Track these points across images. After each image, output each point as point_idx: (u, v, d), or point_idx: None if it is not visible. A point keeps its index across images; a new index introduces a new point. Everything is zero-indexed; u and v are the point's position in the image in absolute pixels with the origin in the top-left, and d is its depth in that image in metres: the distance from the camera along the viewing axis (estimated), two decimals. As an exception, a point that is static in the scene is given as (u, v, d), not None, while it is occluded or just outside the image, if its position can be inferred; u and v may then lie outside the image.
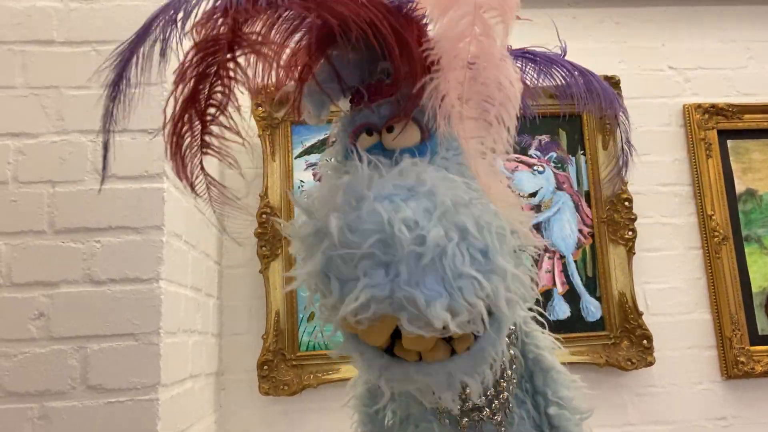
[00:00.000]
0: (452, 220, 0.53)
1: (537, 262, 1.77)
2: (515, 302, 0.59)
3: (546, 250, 1.80)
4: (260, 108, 1.80)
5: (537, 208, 1.83)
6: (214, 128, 0.60)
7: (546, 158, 1.86)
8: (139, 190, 1.21)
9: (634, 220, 1.82)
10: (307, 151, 1.82)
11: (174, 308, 1.26)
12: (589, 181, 1.86)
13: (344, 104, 0.69)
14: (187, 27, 0.55)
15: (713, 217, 1.85)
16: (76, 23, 1.27)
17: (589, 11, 2.00)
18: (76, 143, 1.22)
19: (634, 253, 1.81)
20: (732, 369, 1.76)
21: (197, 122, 0.59)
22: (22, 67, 1.24)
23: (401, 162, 0.59)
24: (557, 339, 0.78)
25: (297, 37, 0.59)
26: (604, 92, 0.84)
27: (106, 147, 0.63)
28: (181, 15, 0.54)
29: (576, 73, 0.82)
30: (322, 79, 0.64)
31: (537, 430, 0.74)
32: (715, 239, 1.84)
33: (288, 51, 0.59)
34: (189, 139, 0.60)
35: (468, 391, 0.63)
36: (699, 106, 1.93)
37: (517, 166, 1.84)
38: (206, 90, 0.57)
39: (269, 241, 1.74)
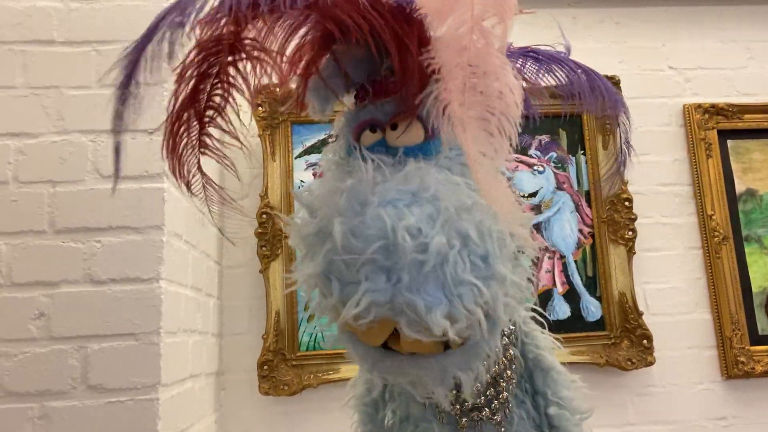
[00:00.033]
0: (454, 227, 0.54)
1: (537, 263, 1.78)
2: (513, 306, 0.59)
3: (546, 249, 1.80)
4: (260, 108, 1.80)
5: (537, 208, 1.83)
6: (212, 130, 0.60)
7: (546, 158, 1.86)
8: (139, 190, 1.21)
9: (634, 220, 1.82)
10: (308, 151, 1.83)
11: (174, 308, 1.26)
12: (589, 181, 1.86)
13: (348, 100, 0.69)
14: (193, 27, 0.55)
15: (713, 217, 1.85)
16: (76, 23, 1.27)
17: (589, 11, 2.00)
18: (76, 143, 1.22)
19: (635, 253, 1.81)
20: (732, 369, 1.76)
21: (195, 122, 0.59)
22: (23, 67, 1.24)
23: (405, 165, 0.59)
24: (557, 339, 0.78)
25: (302, 31, 0.59)
26: (608, 92, 0.84)
27: (117, 149, 0.63)
28: (188, 16, 0.54)
29: (579, 71, 0.82)
30: (326, 74, 0.63)
31: (537, 430, 0.74)
32: (716, 239, 1.84)
33: (293, 45, 0.59)
34: (186, 138, 0.60)
35: (462, 388, 0.63)
36: (699, 106, 1.93)
37: (517, 166, 1.84)
38: (206, 90, 0.57)
39: (269, 241, 1.74)
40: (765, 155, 1.92)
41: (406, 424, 0.75)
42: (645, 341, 1.75)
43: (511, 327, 0.74)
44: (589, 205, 1.84)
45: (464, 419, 0.71)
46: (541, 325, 0.78)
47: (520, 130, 0.55)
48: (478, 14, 0.52)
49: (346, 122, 0.68)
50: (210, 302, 1.62)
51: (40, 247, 1.17)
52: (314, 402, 1.69)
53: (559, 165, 1.86)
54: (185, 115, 0.59)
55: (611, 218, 1.82)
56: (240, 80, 0.57)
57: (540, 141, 1.87)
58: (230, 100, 0.59)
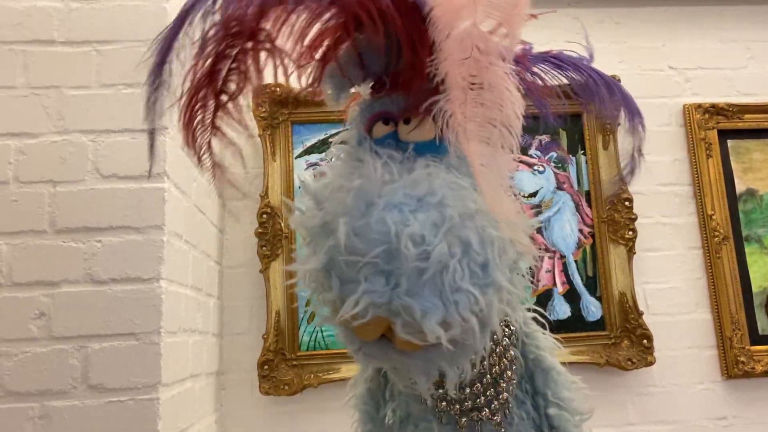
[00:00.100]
0: (457, 235, 0.54)
1: (537, 265, 1.78)
2: (507, 312, 0.60)
3: (546, 249, 1.80)
4: (260, 108, 1.80)
5: (537, 208, 1.83)
6: (224, 114, 0.60)
7: (546, 158, 1.87)
8: (139, 190, 1.21)
9: (635, 220, 1.82)
10: (308, 151, 1.83)
11: (175, 308, 1.26)
12: (589, 181, 1.86)
13: (365, 90, 0.69)
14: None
15: (713, 217, 1.85)
16: (76, 23, 1.27)
17: (589, 11, 2.00)
18: (76, 143, 1.22)
19: (635, 253, 1.81)
20: (732, 369, 1.76)
21: (211, 102, 0.59)
22: (23, 67, 1.24)
23: (415, 164, 0.59)
24: (557, 339, 0.78)
25: (326, 17, 0.58)
26: (626, 100, 0.85)
27: (152, 136, 0.63)
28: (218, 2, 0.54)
29: (599, 79, 0.83)
30: (345, 62, 0.63)
31: (537, 430, 0.74)
32: (716, 239, 1.84)
33: (315, 29, 0.58)
34: (201, 115, 0.60)
35: (445, 382, 0.63)
36: (699, 106, 1.93)
37: (517, 167, 1.84)
38: (223, 71, 0.57)
39: (269, 241, 1.74)
40: (765, 155, 1.92)
41: (405, 424, 0.75)
42: (645, 341, 1.75)
43: (512, 327, 0.74)
44: (590, 205, 1.84)
45: (464, 419, 0.71)
46: (542, 326, 0.78)
47: (521, 141, 0.55)
48: (482, 23, 0.52)
49: (360, 112, 0.68)
50: (210, 302, 1.62)
51: (41, 247, 1.17)
52: (314, 402, 1.69)
53: (560, 165, 1.86)
54: (202, 92, 0.58)
55: (611, 218, 1.82)
56: (254, 71, 0.57)
57: (540, 141, 1.87)
58: (244, 88, 0.58)
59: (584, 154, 1.87)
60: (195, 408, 1.43)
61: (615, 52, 1.97)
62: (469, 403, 0.71)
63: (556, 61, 0.82)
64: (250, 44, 0.56)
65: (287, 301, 1.72)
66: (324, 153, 1.81)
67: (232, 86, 0.58)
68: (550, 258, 1.80)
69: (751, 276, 1.83)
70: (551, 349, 0.77)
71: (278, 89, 1.79)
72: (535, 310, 0.78)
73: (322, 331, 1.72)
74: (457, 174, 0.60)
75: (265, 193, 1.77)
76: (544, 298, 1.78)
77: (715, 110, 1.93)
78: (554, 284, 1.79)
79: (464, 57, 0.53)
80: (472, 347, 0.59)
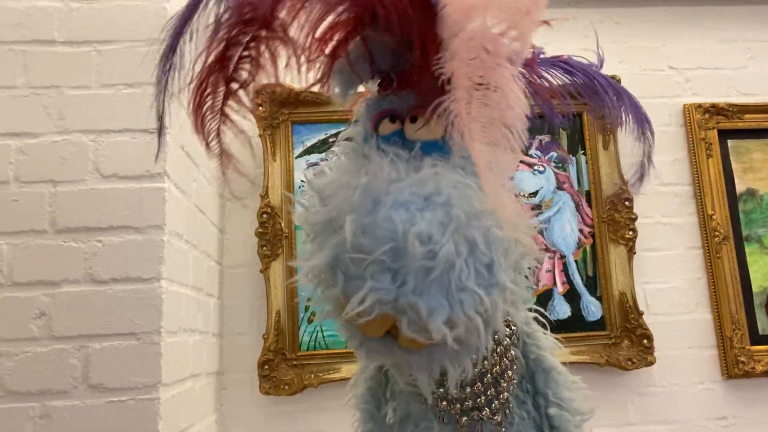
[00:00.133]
0: (464, 235, 0.54)
1: (537, 266, 1.78)
2: (510, 312, 0.60)
3: (547, 249, 1.80)
4: (261, 108, 1.80)
5: (537, 208, 1.83)
6: (234, 103, 0.60)
7: (546, 158, 1.87)
8: (140, 190, 1.21)
9: (635, 219, 1.82)
10: (308, 151, 1.83)
11: (175, 308, 1.26)
12: (589, 181, 1.86)
13: (372, 87, 0.68)
14: None
15: (714, 217, 1.85)
16: (77, 23, 1.27)
17: (589, 11, 2.00)
18: (77, 143, 1.22)
19: (635, 253, 1.81)
20: (732, 369, 1.76)
21: (222, 88, 0.59)
22: (23, 67, 1.24)
23: (422, 163, 0.59)
24: (557, 339, 0.79)
25: (338, 10, 0.58)
26: (633, 107, 0.85)
27: (161, 119, 0.63)
28: None
29: (608, 86, 0.83)
30: (354, 58, 0.63)
31: (537, 430, 0.74)
32: (716, 239, 1.84)
33: (325, 24, 0.58)
34: (211, 101, 0.60)
35: (446, 380, 0.63)
36: (699, 105, 1.93)
37: (517, 167, 1.84)
38: (235, 58, 0.57)
39: (270, 241, 1.74)
40: (765, 155, 1.92)
41: (406, 423, 0.75)
42: (645, 341, 1.75)
43: (513, 328, 0.74)
44: (590, 205, 1.84)
45: (464, 418, 0.71)
46: (543, 326, 0.78)
47: (525, 144, 0.55)
48: (492, 25, 0.52)
49: (366, 109, 0.68)
50: (210, 302, 1.62)
51: (41, 247, 1.17)
52: (315, 402, 1.69)
53: (560, 165, 1.86)
54: (213, 77, 0.58)
55: (611, 218, 1.82)
56: (268, 60, 0.57)
57: (540, 141, 1.87)
58: (256, 76, 0.58)
59: (584, 154, 1.87)
60: (195, 408, 1.43)
61: (615, 52, 1.97)
62: (470, 402, 0.71)
63: (565, 66, 0.82)
64: (263, 32, 0.55)
65: (287, 301, 1.72)
66: (324, 153, 1.81)
67: (244, 74, 0.58)
68: (550, 258, 1.80)
69: (752, 276, 1.83)
70: (552, 349, 0.77)
71: (278, 89, 1.79)
72: (536, 311, 0.78)
73: (322, 331, 1.72)
74: (463, 174, 0.60)
75: (266, 193, 1.77)
76: (544, 298, 1.78)
77: (715, 110, 1.93)
78: (554, 284, 1.79)
79: (471, 57, 0.53)
80: (475, 346, 0.59)
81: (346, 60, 0.62)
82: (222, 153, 0.64)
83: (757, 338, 1.80)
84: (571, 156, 1.87)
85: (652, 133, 0.88)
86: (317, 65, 0.60)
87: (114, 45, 1.26)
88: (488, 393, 0.71)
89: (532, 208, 1.82)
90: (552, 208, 1.83)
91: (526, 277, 0.64)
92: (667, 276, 1.84)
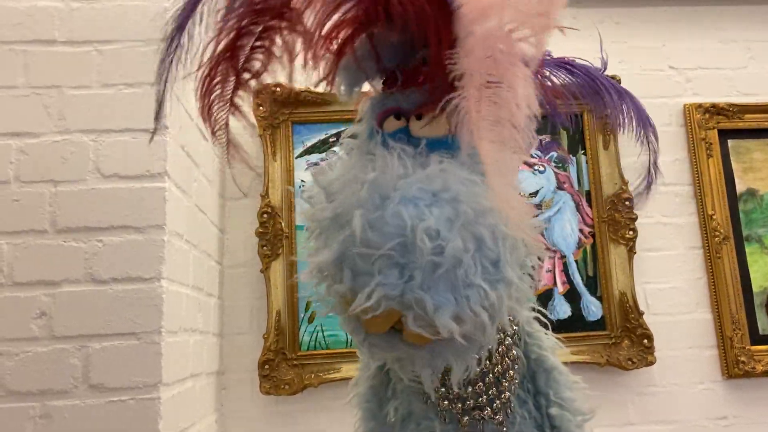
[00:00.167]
0: (471, 231, 0.54)
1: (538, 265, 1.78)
2: (515, 308, 0.60)
3: (547, 249, 1.80)
4: (261, 108, 1.80)
5: (538, 208, 1.83)
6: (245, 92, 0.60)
7: (547, 158, 1.87)
8: (140, 190, 1.21)
9: (635, 219, 1.82)
10: (308, 151, 1.83)
11: (175, 307, 1.26)
12: (589, 181, 1.86)
13: (377, 84, 0.69)
14: None
15: (714, 217, 1.85)
16: (77, 23, 1.27)
17: (589, 11, 2.00)
18: (77, 143, 1.22)
19: (635, 253, 1.81)
20: (733, 368, 1.76)
21: (232, 78, 0.59)
22: (24, 66, 1.24)
23: (428, 159, 0.59)
24: (558, 339, 0.79)
25: (345, 7, 0.58)
26: (638, 112, 0.85)
27: (160, 102, 0.62)
28: None
29: (612, 89, 0.83)
30: (360, 55, 0.63)
31: (538, 430, 0.74)
32: (716, 239, 1.84)
33: (332, 21, 0.58)
34: (220, 90, 0.60)
35: (449, 377, 0.63)
36: (700, 105, 1.93)
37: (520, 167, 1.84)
38: (246, 48, 0.57)
39: (270, 241, 1.74)
40: (765, 155, 1.92)
41: (407, 422, 0.75)
42: (645, 341, 1.75)
43: (515, 327, 0.74)
44: (590, 205, 1.84)
45: (466, 418, 0.72)
46: (545, 326, 0.78)
47: (533, 144, 0.55)
48: (508, 25, 0.52)
49: (371, 107, 0.68)
50: (211, 302, 1.62)
51: (42, 247, 1.17)
52: (315, 401, 1.69)
53: (560, 165, 1.86)
54: (222, 66, 0.58)
55: (612, 218, 1.82)
56: (282, 52, 0.56)
57: (540, 141, 1.87)
58: (269, 67, 0.58)
59: (584, 153, 1.87)
60: (196, 407, 1.43)
61: (615, 52, 1.97)
62: (471, 401, 0.71)
63: (569, 67, 0.82)
64: (276, 22, 0.55)
65: (288, 301, 1.72)
66: (324, 153, 1.81)
67: (256, 64, 0.57)
68: (550, 258, 1.80)
69: (752, 276, 1.83)
70: (553, 349, 0.77)
71: (278, 89, 1.79)
72: (537, 310, 0.78)
73: (322, 331, 1.72)
74: (469, 171, 0.60)
75: (266, 193, 1.77)
76: (544, 298, 1.78)
77: (715, 110, 1.93)
78: (555, 284, 1.79)
79: (485, 55, 0.53)
80: (479, 342, 0.59)
81: (352, 57, 0.62)
82: (228, 143, 0.64)
83: (757, 338, 1.80)
84: (571, 156, 1.87)
85: (656, 137, 0.88)
86: (323, 62, 0.60)
87: (114, 45, 1.26)
88: (490, 392, 0.71)
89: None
90: (552, 208, 1.83)
91: (530, 275, 0.64)
92: (668, 276, 1.84)
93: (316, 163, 1.81)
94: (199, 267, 1.49)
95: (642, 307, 1.78)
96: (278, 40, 0.57)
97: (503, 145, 0.54)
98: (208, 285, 1.59)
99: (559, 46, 0.84)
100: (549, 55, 0.80)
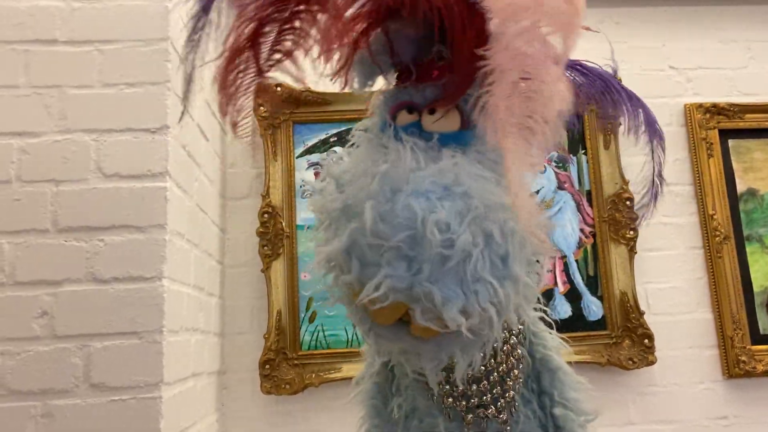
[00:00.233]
0: (481, 226, 0.54)
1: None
2: (522, 306, 0.60)
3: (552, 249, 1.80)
4: (262, 108, 1.80)
5: (538, 208, 1.83)
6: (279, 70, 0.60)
7: (547, 158, 1.87)
8: (142, 189, 1.21)
9: (636, 219, 1.82)
10: (309, 151, 1.83)
11: (177, 307, 1.26)
12: (590, 181, 1.86)
13: (391, 78, 0.69)
14: None
15: (714, 217, 1.85)
16: (78, 23, 1.27)
17: (589, 11, 1.99)
18: (79, 142, 1.22)
19: (636, 253, 1.81)
20: (733, 368, 1.76)
21: (253, 66, 0.59)
22: (25, 66, 1.24)
23: (441, 153, 0.59)
24: (561, 339, 0.79)
25: (361, 1, 0.59)
26: (647, 118, 0.85)
27: (189, 80, 0.62)
28: None
29: (623, 93, 0.83)
30: (375, 49, 0.63)
31: (542, 429, 0.74)
32: (717, 239, 1.84)
33: (347, 14, 0.58)
34: (241, 80, 0.60)
35: (454, 371, 0.63)
36: (700, 105, 1.94)
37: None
38: (270, 35, 0.57)
39: (271, 241, 1.74)
40: (766, 155, 1.92)
41: (411, 418, 0.75)
42: (646, 341, 1.75)
43: (520, 327, 0.74)
44: (591, 205, 1.84)
45: (470, 416, 0.72)
46: (549, 326, 0.78)
47: (562, 141, 0.56)
48: (543, 24, 0.53)
49: (384, 101, 0.69)
50: (212, 301, 1.62)
51: (43, 246, 1.17)
52: (316, 401, 1.69)
53: (560, 164, 1.87)
54: (244, 55, 0.58)
55: (612, 218, 1.82)
56: (311, 35, 0.57)
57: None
58: (302, 45, 0.58)
59: (585, 153, 1.88)
60: (197, 407, 1.43)
61: (615, 52, 1.97)
62: (476, 400, 0.71)
63: (582, 69, 0.82)
64: (302, 6, 0.56)
65: (289, 301, 1.72)
66: (325, 152, 1.81)
67: (289, 44, 0.58)
68: (551, 257, 1.81)
69: (752, 275, 1.83)
70: (558, 349, 0.77)
71: (279, 89, 1.79)
72: (542, 310, 0.78)
73: (323, 331, 1.72)
74: (480, 166, 0.60)
75: (267, 193, 1.77)
76: (545, 298, 1.77)
77: (716, 110, 1.93)
78: (555, 284, 1.79)
79: (518, 52, 0.53)
80: (485, 337, 0.59)
81: (367, 51, 0.62)
82: (253, 132, 0.64)
83: (758, 338, 1.80)
84: (571, 155, 1.87)
85: (663, 148, 0.88)
86: (338, 55, 0.60)
87: (116, 45, 1.27)
88: (494, 391, 0.71)
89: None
90: (553, 207, 1.83)
91: (537, 273, 0.64)
92: (668, 276, 1.84)
93: (316, 163, 1.81)
94: (200, 266, 1.49)
95: (643, 307, 1.78)
96: (304, 28, 0.57)
97: (529, 141, 0.54)
98: (209, 284, 1.59)
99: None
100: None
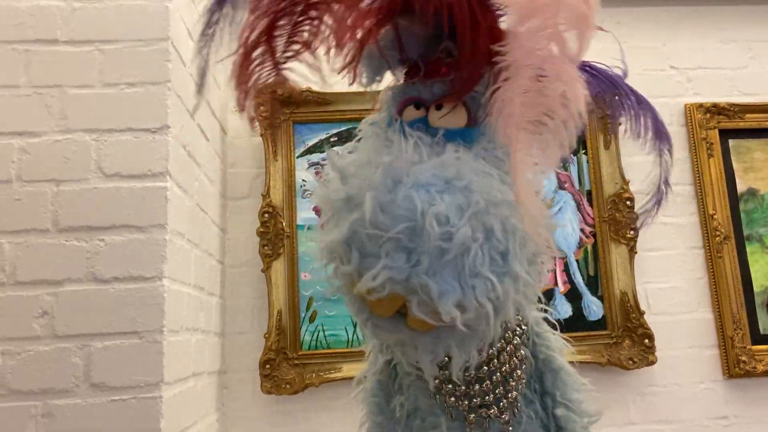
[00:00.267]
0: (481, 221, 0.55)
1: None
2: (521, 304, 0.60)
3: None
4: (262, 107, 1.80)
5: (539, 208, 1.83)
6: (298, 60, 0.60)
7: (561, 159, 1.86)
8: (142, 189, 1.21)
9: (636, 219, 1.82)
10: (309, 151, 1.83)
11: (177, 306, 1.26)
12: (590, 181, 1.86)
13: (399, 74, 0.70)
14: None
15: (715, 217, 1.85)
16: (79, 23, 1.27)
17: (591, 11, 2.00)
18: (79, 142, 1.22)
19: (636, 253, 1.81)
20: (734, 368, 1.76)
21: (269, 59, 0.59)
22: (26, 66, 1.24)
23: (444, 148, 0.59)
24: (564, 339, 0.79)
25: None
26: (655, 123, 0.85)
27: (202, 74, 0.63)
28: None
29: (632, 97, 0.83)
30: (384, 44, 0.64)
31: (544, 430, 0.74)
32: (717, 239, 1.84)
33: (358, 10, 0.59)
34: (259, 73, 0.60)
35: (450, 366, 0.63)
36: (700, 105, 1.94)
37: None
38: (287, 27, 0.57)
39: (271, 241, 1.74)
40: (766, 155, 1.92)
41: (413, 417, 0.75)
42: (646, 340, 1.75)
43: (524, 327, 0.74)
44: (591, 205, 1.84)
45: (472, 415, 0.72)
46: (553, 326, 0.78)
47: (575, 143, 0.56)
48: (561, 23, 0.53)
49: (392, 96, 0.69)
50: (212, 301, 1.62)
51: (44, 246, 1.17)
52: (316, 401, 1.69)
53: (561, 164, 1.86)
54: (259, 50, 0.59)
55: (613, 217, 1.83)
56: (325, 27, 0.57)
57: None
58: (319, 36, 0.58)
59: (585, 153, 1.87)
60: (197, 407, 1.43)
61: (616, 52, 1.97)
62: (478, 399, 0.71)
63: (592, 71, 0.83)
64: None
65: (289, 301, 1.72)
66: (325, 152, 1.81)
67: (306, 34, 0.58)
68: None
69: (753, 275, 1.83)
70: (561, 350, 0.77)
71: (280, 89, 1.79)
72: (545, 311, 0.78)
73: (323, 331, 1.72)
74: (485, 163, 0.60)
75: (267, 193, 1.77)
76: (545, 298, 1.77)
77: (716, 110, 1.93)
78: (556, 284, 1.79)
79: (538, 48, 0.53)
80: (482, 333, 0.59)
81: (376, 46, 0.63)
82: (269, 123, 0.65)
83: (758, 338, 1.80)
84: (572, 155, 1.87)
85: (671, 153, 0.88)
86: (348, 49, 0.61)
87: (116, 44, 1.27)
88: (497, 391, 0.71)
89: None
90: (553, 207, 1.83)
91: (539, 273, 0.64)
92: (669, 275, 1.84)
93: (317, 163, 1.81)
94: (201, 266, 1.49)
95: (643, 307, 1.78)
96: (319, 20, 0.57)
97: (542, 139, 0.54)
98: (210, 284, 1.59)
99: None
100: None
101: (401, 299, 0.55)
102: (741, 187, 1.90)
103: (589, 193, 1.85)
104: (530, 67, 0.54)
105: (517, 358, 0.72)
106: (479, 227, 0.54)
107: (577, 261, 1.80)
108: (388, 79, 0.71)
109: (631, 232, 1.81)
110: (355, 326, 1.68)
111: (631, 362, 1.74)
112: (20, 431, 1.10)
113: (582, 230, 1.83)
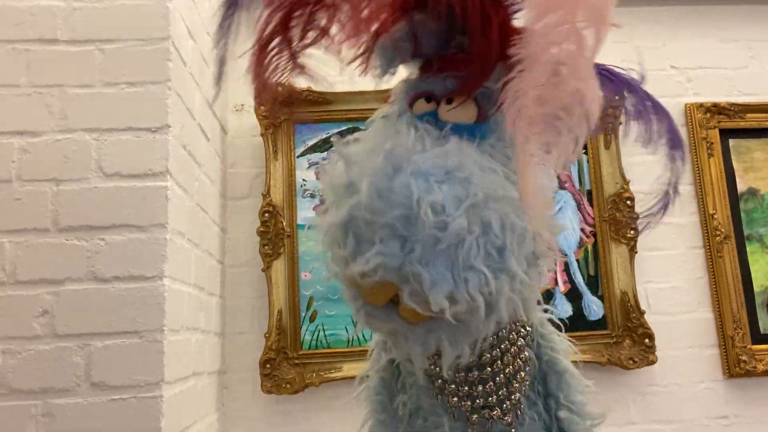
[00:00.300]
0: (479, 214, 0.54)
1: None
2: (517, 303, 0.60)
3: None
4: (262, 107, 1.80)
5: (539, 207, 1.83)
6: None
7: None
8: (143, 189, 1.21)
9: (636, 219, 1.82)
10: (310, 150, 1.83)
11: (177, 306, 1.26)
12: (591, 180, 1.86)
13: (410, 68, 0.70)
14: None
15: (715, 217, 1.85)
16: (79, 22, 1.27)
17: (591, 11, 2.00)
18: (80, 141, 1.22)
19: (636, 252, 1.81)
20: (734, 368, 1.76)
21: (286, 50, 0.59)
22: (26, 65, 1.24)
23: (449, 140, 0.60)
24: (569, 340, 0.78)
25: None
26: (670, 129, 0.85)
27: (221, 65, 0.63)
28: None
29: (648, 103, 0.83)
30: (398, 37, 0.64)
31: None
32: (717, 238, 1.84)
33: (374, 2, 0.59)
34: (276, 63, 0.61)
35: (441, 360, 0.63)
36: (701, 105, 1.94)
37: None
38: (303, 17, 0.58)
39: (271, 240, 1.74)
40: (766, 154, 1.92)
41: (416, 417, 0.75)
42: (647, 340, 1.75)
43: (528, 328, 0.74)
44: (591, 204, 1.84)
45: (475, 416, 0.71)
46: (558, 328, 0.78)
47: (585, 140, 0.56)
48: (579, 20, 0.53)
49: (405, 89, 0.70)
50: (213, 301, 1.62)
51: (44, 245, 1.17)
52: (316, 400, 1.69)
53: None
54: (276, 39, 0.59)
55: (613, 217, 1.82)
56: (341, 18, 0.58)
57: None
58: (334, 23, 0.59)
59: (585, 153, 1.87)
60: (197, 406, 1.43)
61: (616, 52, 1.97)
62: (481, 401, 0.71)
63: (608, 74, 0.83)
64: None
65: (289, 300, 1.72)
66: (326, 152, 1.81)
67: (323, 21, 0.59)
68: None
69: (753, 275, 1.83)
70: (566, 352, 0.77)
71: (280, 89, 1.79)
72: (550, 311, 0.78)
73: (324, 330, 1.72)
74: (490, 159, 0.60)
75: (267, 192, 1.77)
76: (545, 298, 1.78)
77: (716, 110, 1.93)
78: (556, 283, 1.79)
79: (556, 43, 0.53)
80: (474, 328, 0.59)
81: (389, 38, 0.63)
82: (291, 113, 0.66)
83: (758, 337, 1.80)
84: (572, 155, 1.87)
85: (683, 160, 0.88)
86: (361, 42, 0.61)
87: (116, 44, 1.27)
88: (500, 393, 0.71)
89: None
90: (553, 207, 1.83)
91: (540, 274, 0.64)
92: (669, 275, 1.84)
93: (317, 163, 1.81)
94: (201, 266, 1.49)
95: (643, 307, 1.78)
96: (335, 8, 0.58)
97: (556, 134, 0.54)
98: (210, 284, 1.59)
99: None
100: None
101: (394, 288, 0.55)
102: (741, 186, 1.90)
103: (589, 193, 1.85)
104: (547, 61, 0.53)
105: (521, 359, 0.72)
106: (476, 220, 0.54)
107: (577, 261, 1.80)
108: (401, 73, 0.71)
109: (632, 232, 1.81)
110: (355, 326, 1.68)
111: (631, 362, 1.74)
112: (20, 431, 1.10)
113: (582, 230, 1.83)
